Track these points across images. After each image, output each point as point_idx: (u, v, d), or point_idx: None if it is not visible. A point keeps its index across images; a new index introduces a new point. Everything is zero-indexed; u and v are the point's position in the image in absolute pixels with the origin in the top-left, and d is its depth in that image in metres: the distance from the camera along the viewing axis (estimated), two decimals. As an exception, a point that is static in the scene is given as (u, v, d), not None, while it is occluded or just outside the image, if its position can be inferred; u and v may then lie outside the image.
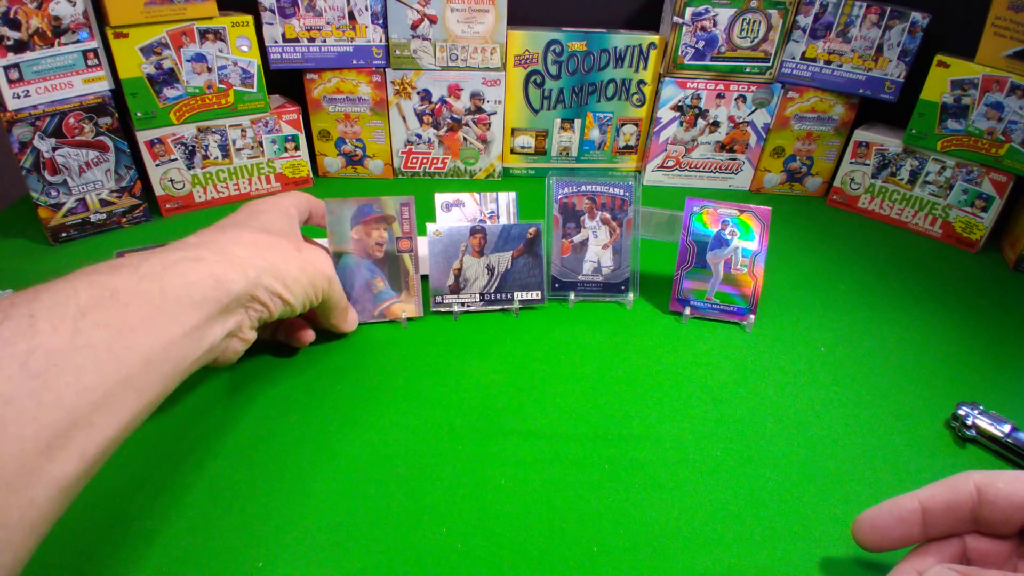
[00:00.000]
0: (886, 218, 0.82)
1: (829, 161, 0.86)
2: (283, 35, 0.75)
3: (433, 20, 0.76)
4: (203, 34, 0.69)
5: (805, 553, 0.38)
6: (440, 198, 0.61)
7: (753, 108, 0.83)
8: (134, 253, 0.38)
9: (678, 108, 0.83)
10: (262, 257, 0.42)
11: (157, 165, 0.72)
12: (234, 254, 0.40)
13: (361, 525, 0.38)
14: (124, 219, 0.72)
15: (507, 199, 0.62)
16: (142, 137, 0.70)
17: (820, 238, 0.77)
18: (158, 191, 0.74)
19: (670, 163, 0.87)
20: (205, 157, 0.75)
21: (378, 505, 0.40)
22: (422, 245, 0.58)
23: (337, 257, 0.54)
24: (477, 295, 0.59)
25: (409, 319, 0.57)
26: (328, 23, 0.75)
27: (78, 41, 0.64)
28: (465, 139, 0.84)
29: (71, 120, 0.65)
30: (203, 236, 0.42)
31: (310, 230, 0.54)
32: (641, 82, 0.83)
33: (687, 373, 0.53)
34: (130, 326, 0.32)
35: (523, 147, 0.87)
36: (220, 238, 0.42)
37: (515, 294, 0.59)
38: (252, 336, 0.43)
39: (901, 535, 0.32)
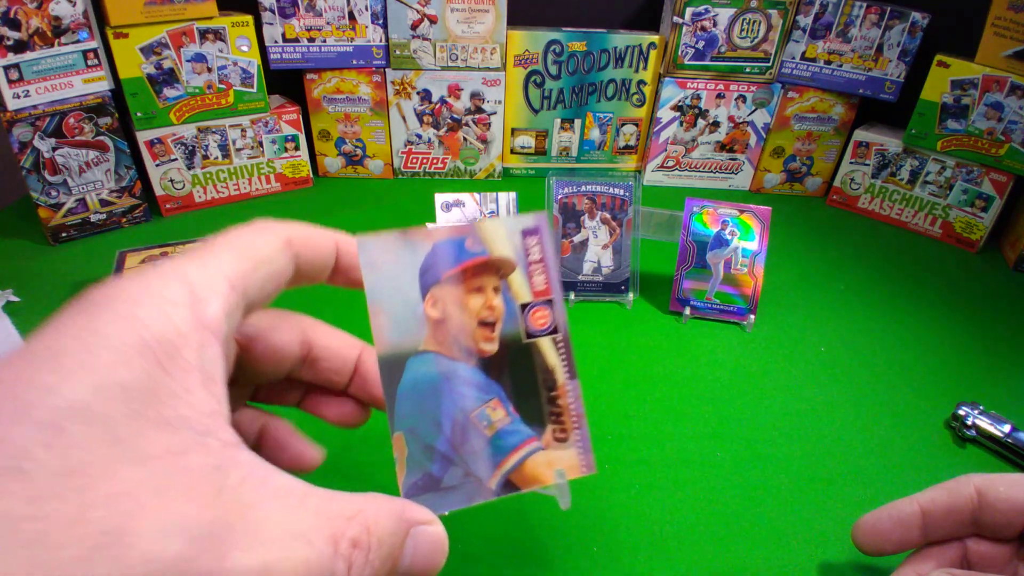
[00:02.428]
0: (886, 218, 0.82)
1: (829, 161, 0.86)
2: (283, 35, 0.75)
3: (433, 20, 0.76)
4: (203, 34, 0.69)
5: (805, 553, 0.38)
6: (440, 198, 0.61)
7: (753, 108, 0.83)
8: None
9: (678, 108, 0.83)
10: None
11: (157, 165, 0.72)
12: None
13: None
14: (124, 219, 0.72)
15: (507, 199, 0.62)
16: (142, 137, 0.70)
17: (820, 238, 0.77)
18: (158, 191, 0.74)
19: (670, 163, 0.87)
20: (205, 157, 0.75)
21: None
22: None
23: (397, 366, 0.25)
24: (477, 295, 0.58)
25: (572, 482, 0.27)
26: (328, 23, 0.75)
27: (78, 41, 0.64)
28: (465, 139, 0.84)
29: (71, 120, 0.65)
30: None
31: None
32: (641, 82, 0.83)
33: (687, 373, 0.53)
34: None
35: (523, 147, 0.87)
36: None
37: (515, 294, 0.59)
38: None
39: (901, 539, 0.32)
